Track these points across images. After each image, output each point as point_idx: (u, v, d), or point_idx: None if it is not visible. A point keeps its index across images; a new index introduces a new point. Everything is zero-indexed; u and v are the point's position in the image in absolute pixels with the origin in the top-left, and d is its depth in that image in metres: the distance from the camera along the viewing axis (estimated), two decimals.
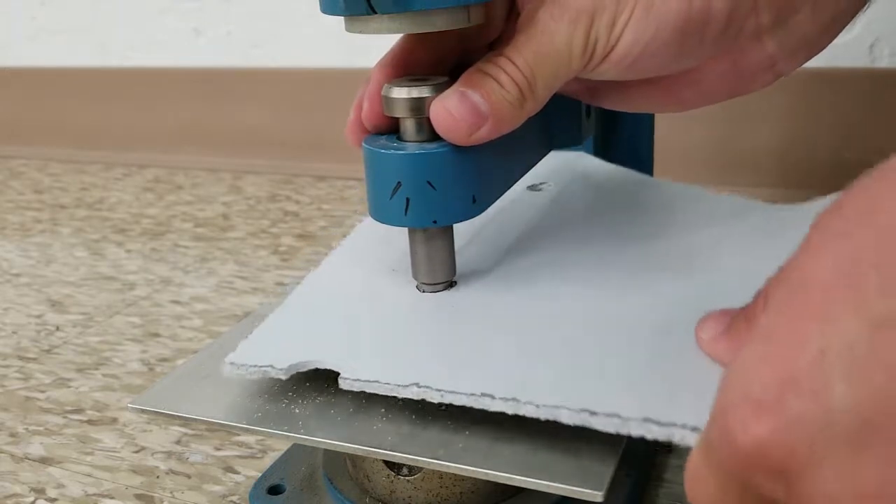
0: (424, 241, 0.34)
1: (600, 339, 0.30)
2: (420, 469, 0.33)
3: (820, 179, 0.74)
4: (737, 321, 0.27)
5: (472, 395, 0.28)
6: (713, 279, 0.33)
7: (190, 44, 1.02)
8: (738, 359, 0.21)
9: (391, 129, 0.33)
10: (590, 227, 0.39)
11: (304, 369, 0.31)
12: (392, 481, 0.33)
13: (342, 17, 0.30)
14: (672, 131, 0.65)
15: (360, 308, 0.35)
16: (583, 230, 0.39)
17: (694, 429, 0.24)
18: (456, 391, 0.28)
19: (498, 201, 0.34)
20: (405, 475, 0.33)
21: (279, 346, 0.32)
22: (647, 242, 0.37)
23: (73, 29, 1.08)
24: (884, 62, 0.72)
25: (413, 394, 0.28)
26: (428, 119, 0.31)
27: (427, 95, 0.30)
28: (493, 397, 0.27)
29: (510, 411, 0.27)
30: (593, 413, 0.26)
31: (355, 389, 0.30)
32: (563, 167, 0.46)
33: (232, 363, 0.31)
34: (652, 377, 0.28)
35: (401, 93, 0.31)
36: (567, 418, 0.26)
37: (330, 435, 0.30)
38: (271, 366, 0.31)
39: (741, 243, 0.36)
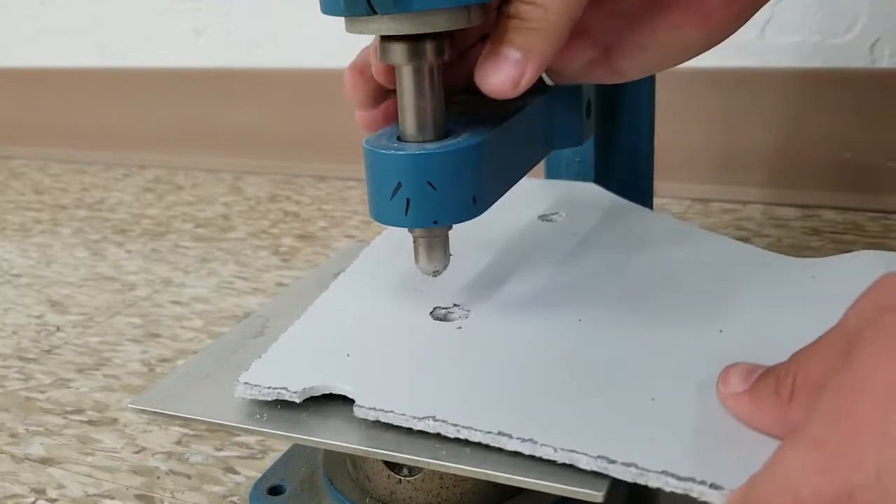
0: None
1: (619, 381, 0.30)
2: (420, 469, 0.33)
3: (820, 179, 0.74)
4: (763, 384, 0.26)
5: (489, 433, 0.27)
6: (731, 327, 0.33)
7: (190, 44, 1.02)
8: (786, 458, 0.21)
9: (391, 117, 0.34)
10: (606, 263, 0.39)
11: (319, 394, 0.31)
12: (392, 482, 0.33)
13: (342, 18, 0.30)
14: (672, 131, 0.65)
15: (375, 331, 0.35)
16: (599, 265, 0.39)
17: (713, 485, 0.24)
18: (472, 427, 0.28)
19: (510, 231, 0.34)
20: (406, 476, 0.33)
21: (293, 368, 0.32)
22: (661, 283, 0.37)
23: (73, 29, 1.08)
24: (884, 62, 0.72)
25: (429, 427, 0.28)
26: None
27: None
28: (510, 437, 0.27)
29: (527, 452, 0.27)
30: (611, 461, 0.26)
31: (370, 418, 0.29)
32: (575, 197, 0.46)
33: (246, 383, 0.31)
34: (671, 426, 0.27)
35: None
36: (585, 464, 0.26)
37: (330, 435, 0.30)
38: (285, 388, 0.31)
39: (758, 291, 0.36)
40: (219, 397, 0.33)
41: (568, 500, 0.27)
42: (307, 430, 0.30)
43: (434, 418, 0.28)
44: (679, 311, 0.35)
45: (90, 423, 0.48)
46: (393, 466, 0.33)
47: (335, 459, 0.37)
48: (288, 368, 0.32)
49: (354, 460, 0.35)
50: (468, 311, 0.36)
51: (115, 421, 0.48)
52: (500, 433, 0.27)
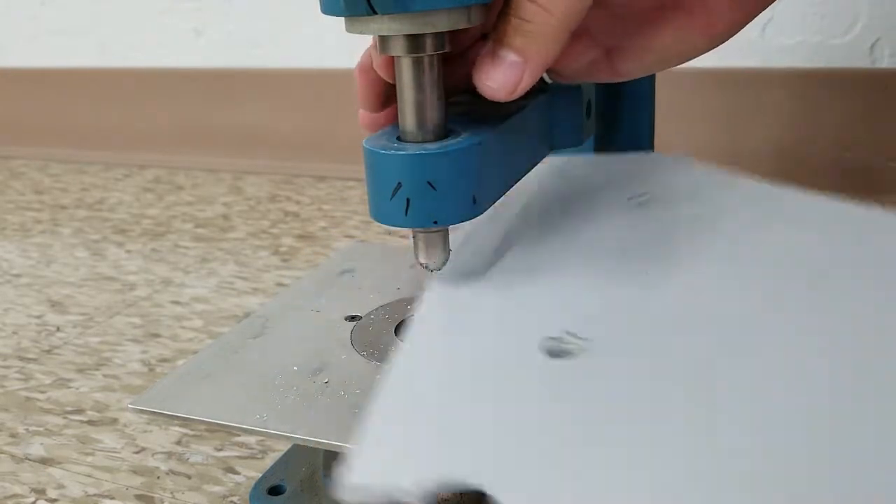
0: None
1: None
2: None
3: (820, 179, 0.74)
4: None
5: None
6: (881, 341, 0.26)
7: (190, 44, 1.02)
8: None
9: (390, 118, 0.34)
10: (728, 254, 0.31)
11: (446, 491, 0.26)
12: None
13: (342, 18, 0.30)
14: (674, 131, 0.65)
15: (485, 389, 0.28)
16: (720, 256, 0.31)
17: None
18: None
19: (600, 219, 0.31)
20: None
21: (403, 456, 0.25)
22: (798, 277, 0.30)
23: (73, 29, 1.08)
24: (884, 62, 0.72)
25: None
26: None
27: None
28: None
29: None
30: None
31: None
32: (660, 172, 0.39)
33: (353, 486, 0.24)
34: None
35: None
36: None
37: (330, 435, 0.30)
38: (403, 487, 0.24)
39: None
40: (219, 397, 0.33)
41: None
42: (307, 431, 0.30)
43: None
44: (820, 313, 0.27)
45: (90, 423, 0.48)
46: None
47: (335, 459, 0.37)
48: (396, 456, 0.25)
49: None
50: (585, 338, 0.28)
51: (115, 421, 0.48)
52: None
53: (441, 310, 0.32)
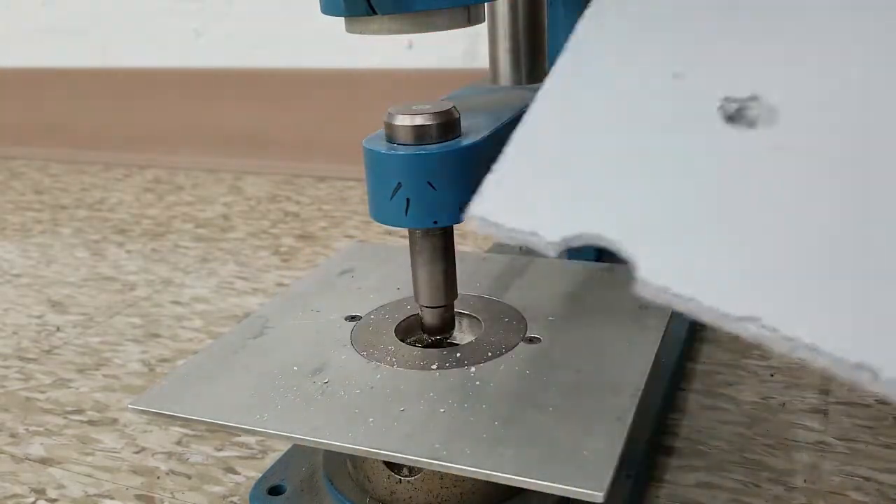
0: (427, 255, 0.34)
1: None
2: (420, 470, 0.33)
3: None
4: None
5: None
6: None
7: (190, 44, 1.02)
8: None
9: None
10: None
11: (578, 244, 0.22)
12: (392, 482, 0.33)
13: (342, 18, 0.30)
14: None
15: (645, 139, 0.24)
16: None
17: None
18: (818, 347, 0.19)
19: None
20: (406, 476, 0.33)
21: (538, 200, 0.23)
22: None
23: (73, 29, 1.08)
24: None
25: (750, 335, 0.19)
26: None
27: (430, 123, 0.31)
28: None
29: None
30: None
31: (658, 301, 0.20)
32: None
33: (482, 218, 0.22)
34: None
35: (404, 120, 0.31)
36: None
37: (330, 435, 0.30)
38: (535, 233, 0.22)
39: None
40: (219, 397, 0.33)
41: (568, 500, 0.27)
42: (307, 430, 0.30)
43: (761, 323, 0.19)
44: None
45: (90, 423, 0.48)
46: (393, 466, 0.33)
47: (335, 459, 0.37)
48: (534, 200, 0.23)
49: (354, 460, 0.35)
50: (773, 105, 0.23)
51: (115, 421, 0.48)
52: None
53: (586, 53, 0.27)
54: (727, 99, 0.24)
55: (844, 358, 0.18)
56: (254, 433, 0.31)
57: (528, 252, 0.43)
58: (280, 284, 0.67)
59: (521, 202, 0.23)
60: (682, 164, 0.23)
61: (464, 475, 0.29)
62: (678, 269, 0.21)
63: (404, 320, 0.38)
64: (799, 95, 0.23)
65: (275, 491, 0.37)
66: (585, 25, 0.27)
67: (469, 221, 0.23)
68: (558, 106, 0.25)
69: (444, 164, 0.31)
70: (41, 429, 0.48)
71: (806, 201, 0.22)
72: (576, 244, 0.22)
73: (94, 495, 0.42)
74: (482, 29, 0.39)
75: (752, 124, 0.23)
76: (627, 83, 0.25)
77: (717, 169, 0.23)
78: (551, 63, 0.28)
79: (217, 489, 0.42)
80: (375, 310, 0.39)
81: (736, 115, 0.23)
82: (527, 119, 0.25)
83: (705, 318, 0.20)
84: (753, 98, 0.24)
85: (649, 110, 0.25)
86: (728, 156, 0.23)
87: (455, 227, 0.34)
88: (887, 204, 0.21)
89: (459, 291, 0.37)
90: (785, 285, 0.20)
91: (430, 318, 0.36)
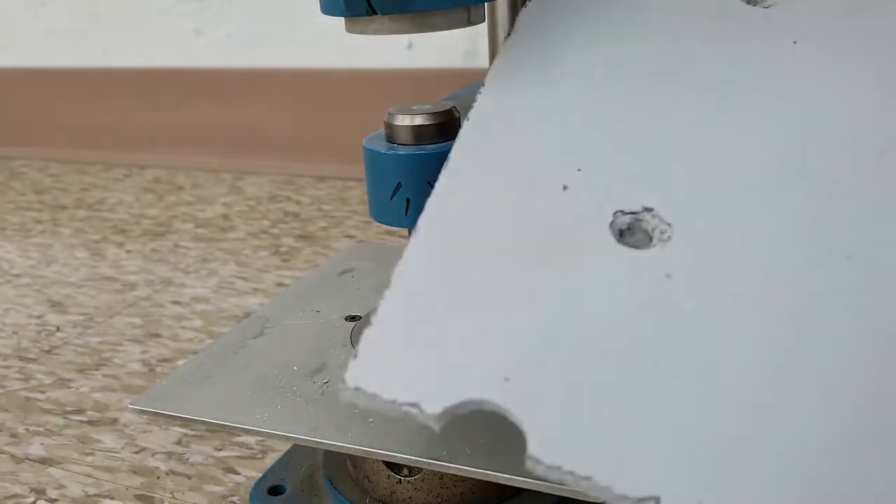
0: None
1: None
2: (420, 470, 0.33)
3: None
4: None
5: None
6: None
7: (190, 44, 1.02)
8: None
9: None
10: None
11: (464, 412, 0.20)
12: (392, 482, 0.33)
13: (342, 18, 0.30)
14: None
15: (532, 271, 0.21)
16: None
17: None
18: None
19: (691, 33, 0.22)
20: (406, 476, 0.33)
21: (420, 366, 0.21)
22: None
23: (73, 29, 1.08)
24: None
25: None
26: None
27: (430, 123, 0.31)
28: None
29: None
30: None
31: (548, 479, 0.19)
32: None
33: (357, 388, 0.20)
34: None
35: (403, 120, 0.31)
36: None
37: (330, 435, 0.30)
38: (417, 405, 0.20)
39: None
40: (219, 397, 0.33)
41: (568, 500, 0.27)
42: (307, 430, 0.30)
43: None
44: None
45: (90, 423, 0.48)
46: (393, 466, 0.33)
47: (335, 459, 0.37)
48: (412, 366, 0.21)
49: (354, 460, 0.35)
50: (668, 223, 0.21)
51: (115, 421, 0.48)
52: None
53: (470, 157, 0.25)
54: (619, 212, 0.22)
55: None
56: (254, 433, 0.31)
57: None
58: (280, 284, 0.67)
59: (398, 367, 0.20)
60: (573, 306, 0.21)
61: (464, 475, 0.29)
62: (572, 439, 0.18)
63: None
64: (694, 206, 0.22)
65: (275, 491, 0.37)
66: (468, 134, 0.25)
67: (343, 393, 0.20)
68: (439, 242, 0.23)
69: (443, 164, 0.31)
70: (41, 429, 0.48)
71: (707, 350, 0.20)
72: (461, 412, 0.20)
73: (94, 495, 0.42)
74: (482, 29, 0.39)
75: (646, 240, 0.21)
76: (514, 199, 0.23)
77: (613, 309, 0.21)
78: None
79: (217, 489, 0.42)
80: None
81: (628, 231, 0.22)
82: (406, 261, 0.22)
83: (603, 497, 0.18)
84: (647, 210, 0.22)
85: (537, 237, 0.22)
86: (624, 290, 0.21)
87: None
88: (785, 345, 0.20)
89: None
90: (688, 458, 0.18)
91: None
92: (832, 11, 0.26)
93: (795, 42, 0.25)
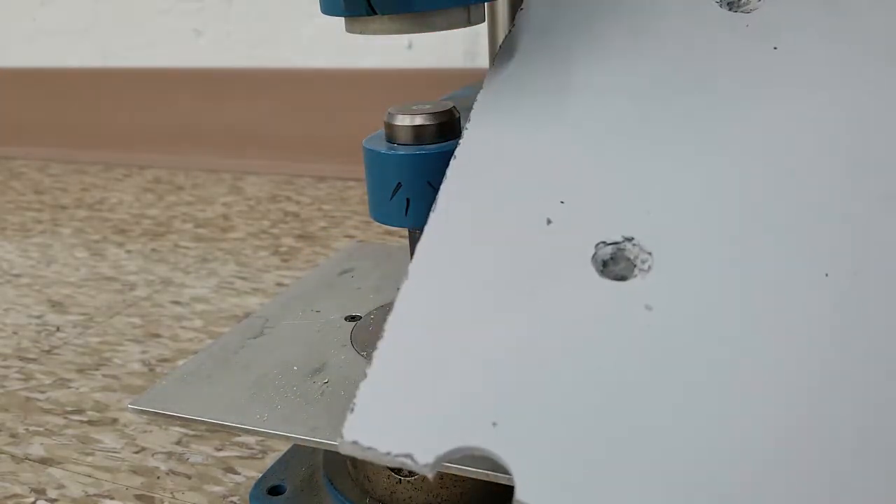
0: None
1: None
2: None
3: None
4: None
5: None
6: None
7: (190, 44, 1.02)
8: None
9: None
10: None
11: (456, 457, 0.21)
12: (392, 482, 0.33)
13: (342, 18, 0.30)
14: None
15: (526, 311, 0.22)
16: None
17: None
18: None
19: (675, 38, 0.22)
20: (406, 476, 0.33)
21: (411, 417, 0.21)
22: None
23: (73, 29, 1.08)
24: None
25: None
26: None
27: (430, 123, 0.31)
28: None
29: None
30: None
31: None
32: None
33: (354, 443, 0.21)
34: None
35: (403, 120, 0.31)
36: None
37: (330, 435, 0.30)
38: (410, 455, 0.20)
39: None
40: (219, 397, 0.33)
41: None
42: (307, 430, 0.30)
43: None
44: None
45: (90, 423, 0.48)
46: (393, 466, 0.33)
47: (335, 459, 0.37)
48: (404, 418, 0.21)
49: (354, 460, 0.35)
50: (648, 252, 0.21)
51: (115, 421, 0.48)
52: None
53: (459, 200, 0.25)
54: (602, 243, 0.22)
55: None
56: (254, 433, 0.31)
57: None
58: (280, 284, 0.67)
59: (394, 419, 0.21)
60: (558, 342, 0.21)
61: (464, 475, 0.29)
62: (556, 484, 0.19)
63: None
64: (676, 235, 0.22)
65: (275, 491, 0.37)
66: (455, 172, 0.26)
67: (342, 446, 0.21)
68: (429, 288, 0.24)
69: (444, 164, 0.31)
70: (41, 429, 0.48)
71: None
72: (454, 458, 0.20)
73: (94, 495, 0.42)
74: (482, 29, 0.39)
75: (630, 268, 0.22)
76: (501, 236, 0.23)
77: (597, 345, 0.21)
78: None
79: (217, 489, 0.42)
80: (375, 310, 0.39)
81: (612, 261, 0.22)
82: (397, 310, 0.23)
83: None
84: (629, 239, 0.22)
85: (524, 272, 0.22)
86: (606, 324, 0.21)
87: None
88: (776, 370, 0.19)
89: None
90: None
91: None
92: (813, 13, 0.25)
93: (776, 48, 0.25)
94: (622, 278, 0.21)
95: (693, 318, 0.20)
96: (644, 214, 0.22)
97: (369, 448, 0.21)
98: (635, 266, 0.22)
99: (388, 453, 0.21)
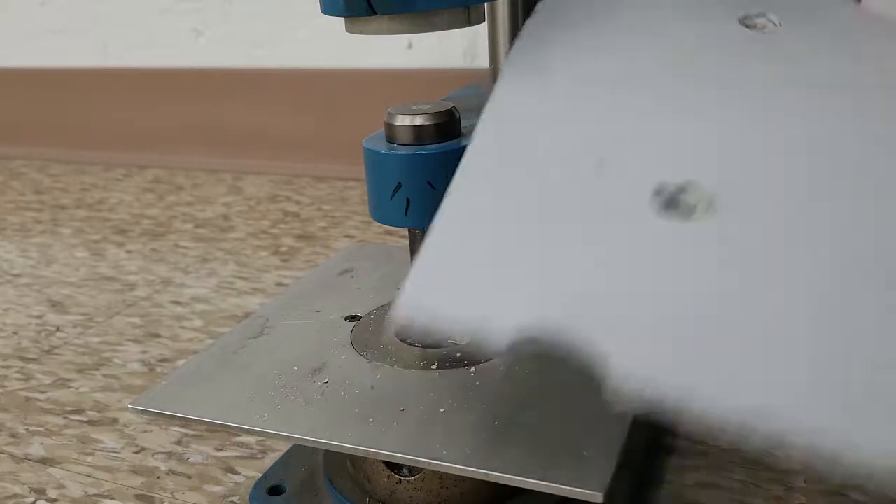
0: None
1: None
2: (420, 470, 0.33)
3: None
4: None
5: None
6: None
7: (190, 44, 1.02)
8: None
9: None
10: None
11: (538, 334, 0.19)
12: (392, 482, 0.33)
13: (342, 18, 0.30)
14: None
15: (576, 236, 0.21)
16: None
17: None
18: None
19: (696, 45, 0.22)
20: (406, 476, 0.33)
21: (477, 285, 0.20)
22: None
23: (73, 29, 1.08)
24: None
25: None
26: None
27: (430, 123, 0.31)
28: None
29: None
30: None
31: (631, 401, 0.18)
32: None
33: (402, 319, 0.20)
34: None
35: (403, 120, 0.31)
36: None
37: (330, 435, 0.30)
38: (488, 318, 0.19)
39: None
40: (219, 397, 0.33)
41: (568, 500, 0.27)
42: (307, 431, 0.30)
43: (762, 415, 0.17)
44: None
45: (90, 423, 0.48)
46: (393, 466, 0.33)
47: (335, 460, 0.37)
48: (478, 282, 0.19)
49: (354, 460, 0.35)
50: (711, 191, 0.21)
51: (115, 421, 0.48)
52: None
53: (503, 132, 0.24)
54: (660, 187, 0.21)
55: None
56: (254, 433, 0.31)
57: None
58: (280, 284, 0.67)
59: (461, 286, 0.19)
60: (623, 265, 0.20)
61: (464, 475, 0.29)
62: (661, 358, 0.17)
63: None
64: (737, 179, 0.21)
65: (275, 491, 0.37)
66: (507, 88, 0.24)
67: (398, 310, 0.19)
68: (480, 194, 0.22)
69: (443, 164, 0.31)
70: (41, 429, 0.48)
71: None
72: (534, 335, 0.18)
73: (94, 495, 0.42)
74: (482, 29, 0.39)
75: (688, 213, 0.21)
76: (549, 178, 0.22)
77: (662, 270, 0.20)
78: None
79: (217, 489, 0.42)
80: (375, 310, 0.39)
81: (670, 203, 0.21)
82: (443, 213, 0.22)
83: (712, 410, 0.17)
84: (690, 184, 0.21)
85: (581, 211, 0.21)
86: (671, 257, 0.20)
87: None
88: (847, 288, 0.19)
89: None
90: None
91: None
92: (824, 39, 0.26)
93: (789, 68, 0.25)
94: (684, 219, 0.21)
95: (761, 256, 0.20)
96: (704, 160, 0.22)
97: (433, 312, 0.18)
98: (697, 207, 0.21)
99: (457, 317, 0.17)
